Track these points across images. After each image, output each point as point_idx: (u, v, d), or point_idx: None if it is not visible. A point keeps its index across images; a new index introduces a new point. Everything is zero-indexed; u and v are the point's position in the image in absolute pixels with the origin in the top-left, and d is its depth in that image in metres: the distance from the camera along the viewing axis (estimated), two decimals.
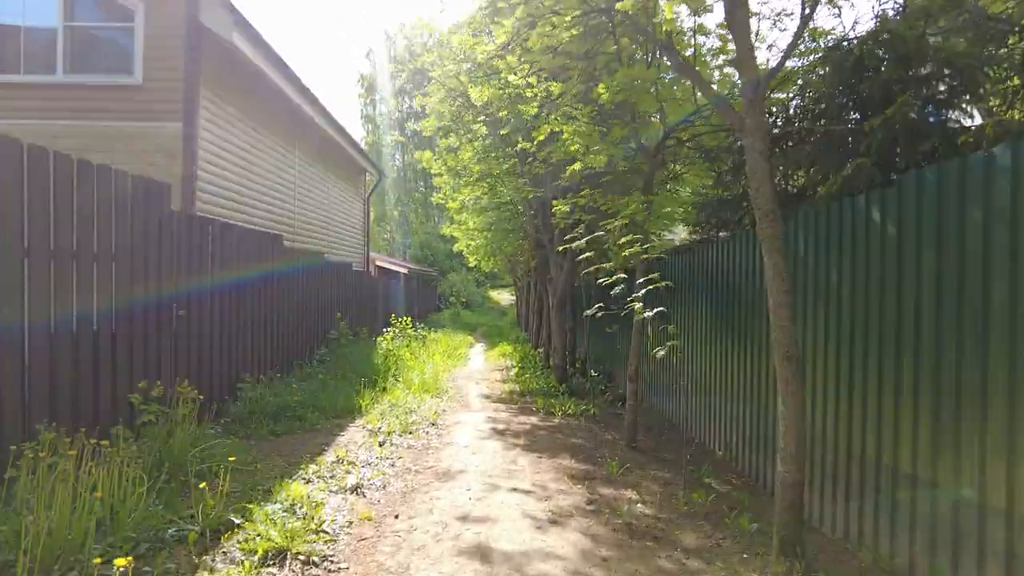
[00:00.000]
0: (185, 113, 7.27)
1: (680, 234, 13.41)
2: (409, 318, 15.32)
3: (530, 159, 7.63)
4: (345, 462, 5.09)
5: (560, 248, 6.09)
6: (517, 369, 12.04)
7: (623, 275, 5.00)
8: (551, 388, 9.37)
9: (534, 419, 7.33)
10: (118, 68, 7.34)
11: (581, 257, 5.55)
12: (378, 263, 20.62)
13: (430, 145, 15.81)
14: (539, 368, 11.82)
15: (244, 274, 7.13)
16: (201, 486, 3.46)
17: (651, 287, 4.71)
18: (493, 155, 9.30)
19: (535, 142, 7.16)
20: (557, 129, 6.45)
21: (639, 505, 4.26)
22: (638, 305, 4.67)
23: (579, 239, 5.21)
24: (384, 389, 8.45)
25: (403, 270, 21.79)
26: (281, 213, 10.65)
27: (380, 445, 5.69)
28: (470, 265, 16.62)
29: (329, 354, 10.22)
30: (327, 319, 10.71)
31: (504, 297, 43.12)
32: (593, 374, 10.85)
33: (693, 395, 6.28)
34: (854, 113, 5.71)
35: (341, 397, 7.30)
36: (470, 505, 4.20)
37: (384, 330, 13.02)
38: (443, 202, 13.75)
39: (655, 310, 4.56)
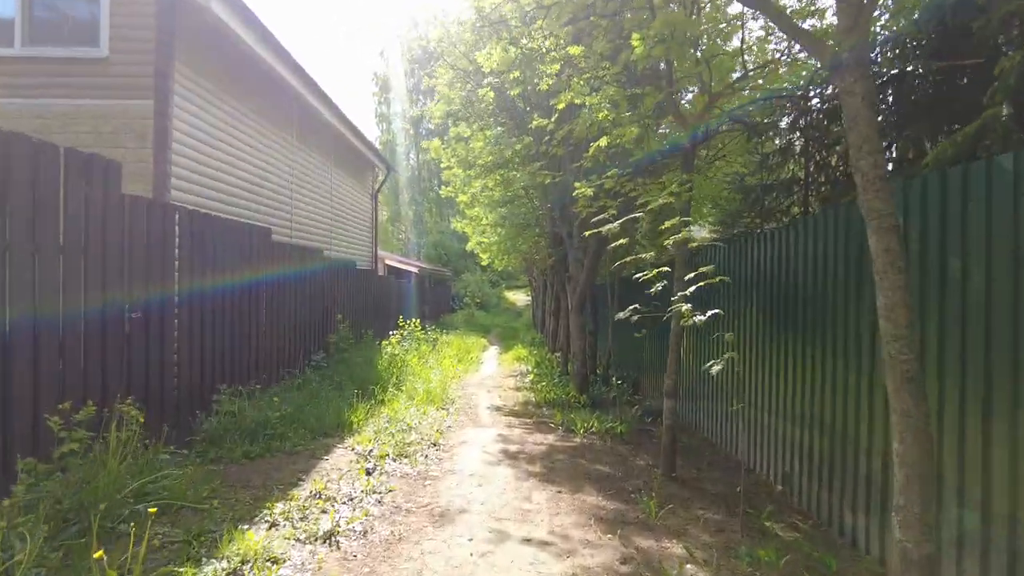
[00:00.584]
0: (157, 89, 6.44)
1: (703, 232, 12.33)
2: (418, 319, 14.46)
3: (547, 138, 6.68)
4: (322, 497, 4.18)
5: (588, 232, 5.13)
6: (533, 375, 11.09)
7: (666, 268, 4.02)
8: (570, 399, 8.40)
9: (552, 438, 6.37)
10: (82, 40, 6.53)
11: (613, 245, 4.58)
12: (388, 262, 19.80)
13: (441, 135, 14.80)
14: (557, 374, 10.85)
15: (221, 271, 6.29)
16: (96, 555, 2.54)
17: (702, 283, 3.72)
18: (504, 139, 8.37)
19: (553, 117, 6.21)
20: (579, 101, 5.50)
21: (689, 566, 3.28)
22: (684, 307, 3.69)
23: (609, 223, 4.24)
24: (383, 400, 7.55)
25: (414, 269, 20.90)
26: (277, 206, 9.83)
27: (368, 474, 4.78)
28: (482, 264, 15.71)
29: (327, 360, 9.39)
30: (326, 322, 9.87)
31: (520, 298, 42.17)
32: (617, 382, 9.86)
33: (741, 412, 5.28)
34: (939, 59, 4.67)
35: (331, 411, 6.41)
36: (471, 565, 3.26)
37: (392, 333, 12.16)
38: (452, 196, 12.85)
39: (709, 313, 3.58)
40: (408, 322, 13.71)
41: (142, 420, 4.02)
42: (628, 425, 6.65)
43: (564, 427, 6.80)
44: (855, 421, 3.66)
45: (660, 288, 4.12)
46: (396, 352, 11.05)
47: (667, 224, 3.86)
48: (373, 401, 7.34)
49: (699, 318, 3.57)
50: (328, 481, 4.52)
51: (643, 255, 4.13)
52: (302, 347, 8.68)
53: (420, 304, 19.59)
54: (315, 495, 4.21)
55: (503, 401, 8.81)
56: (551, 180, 7.26)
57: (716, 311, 3.68)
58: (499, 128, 9.64)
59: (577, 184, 5.24)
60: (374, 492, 4.38)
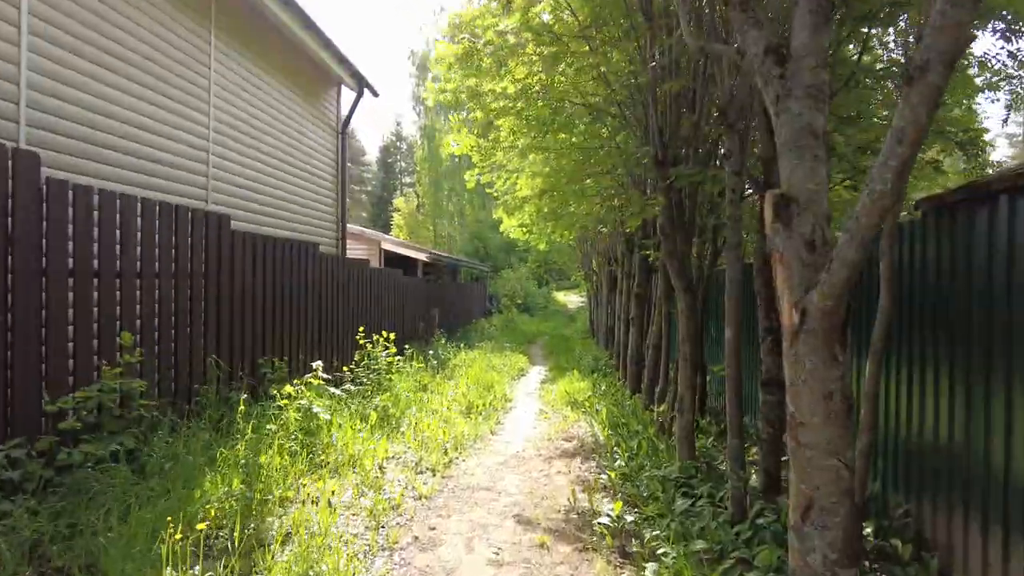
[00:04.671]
0: None
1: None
2: (392, 333, 8.47)
3: None
4: None
5: None
6: (614, 475, 4.78)
7: None
8: None
9: None
10: None
11: None
12: (385, 246, 13.91)
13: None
14: (660, 460, 4.55)
15: None
16: None
17: None
18: None
19: None
20: None
21: None
22: None
23: None
24: None
25: (423, 257, 14.81)
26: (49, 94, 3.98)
27: None
28: (514, 235, 9.62)
29: (32, 474, 3.34)
30: (60, 359, 3.87)
31: (572, 299, 35.71)
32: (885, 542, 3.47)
33: None
34: None
35: None
36: None
37: (336, 363, 6.16)
38: (447, 102, 6.79)
39: None
40: (378, 340, 7.71)
41: None
42: None
43: None
44: None
45: None
46: (309, 416, 5.01)
47: None
48: None
49: None
50: None
51: None
52: None
53: (432, 307, 13.59)
54: None
55: None
56: None
57: None
58: None
59: None
60: None
